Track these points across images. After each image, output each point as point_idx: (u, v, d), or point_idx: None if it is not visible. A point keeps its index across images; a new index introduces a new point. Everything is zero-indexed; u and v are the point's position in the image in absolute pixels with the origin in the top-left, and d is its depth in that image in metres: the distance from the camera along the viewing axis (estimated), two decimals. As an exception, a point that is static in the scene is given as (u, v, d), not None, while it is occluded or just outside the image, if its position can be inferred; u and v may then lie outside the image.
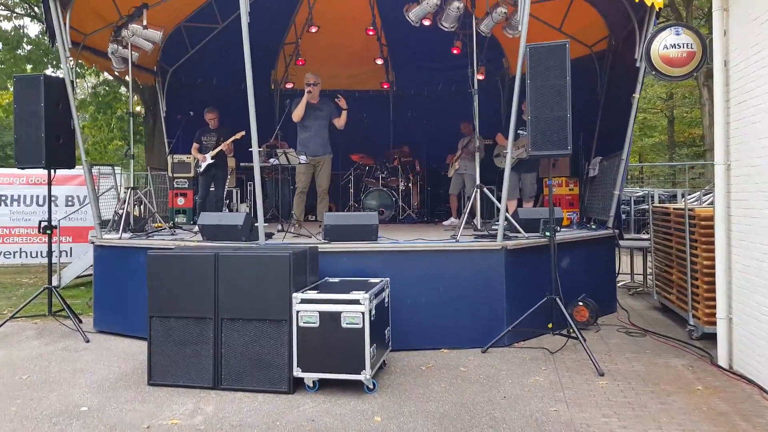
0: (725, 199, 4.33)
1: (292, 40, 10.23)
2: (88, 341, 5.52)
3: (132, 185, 6.50)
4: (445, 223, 8.51)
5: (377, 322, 4.17)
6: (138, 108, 16.98)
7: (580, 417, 3.57)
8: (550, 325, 5.32)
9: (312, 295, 4.05)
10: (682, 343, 5.15)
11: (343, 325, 3.95)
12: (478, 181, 5.77)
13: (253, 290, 4.10)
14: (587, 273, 6.18)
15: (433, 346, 5.07)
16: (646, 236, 8.29)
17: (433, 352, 4.99)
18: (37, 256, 9.71)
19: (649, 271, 8.00)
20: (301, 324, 4.01)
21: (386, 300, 4.54)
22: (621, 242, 6.92)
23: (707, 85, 15.40)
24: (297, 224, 6.15)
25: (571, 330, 4.95)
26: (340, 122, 6.80)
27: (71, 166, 6.15)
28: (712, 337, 5.11)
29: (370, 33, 9.60)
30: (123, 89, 16.89)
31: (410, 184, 9.60)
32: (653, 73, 5.03)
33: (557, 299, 4.89)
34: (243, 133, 6.96)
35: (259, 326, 4.09)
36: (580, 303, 5.67)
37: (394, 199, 9.16)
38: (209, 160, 7.57)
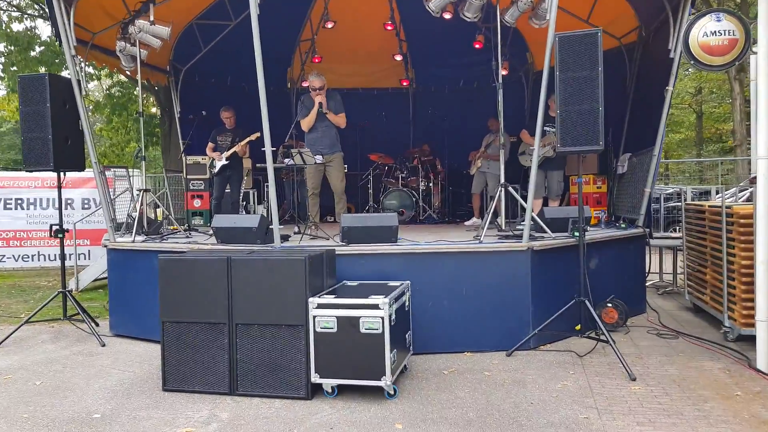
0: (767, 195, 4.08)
1: (308, 36, 10.12)
2: (103, 345, 5.44)
3: (144, 187, 6.40)
4: (467, 223, 8.32)
5: (398, 326, 4.00)
6: (153, 109, 17.10)
7: (613, 426, 3.36)
8: (577, 327, 5.11)
9: (329, 299, 3.89)
10: (717, 346, 4.90)
11: (362, 330, 3.78)
12: (502, 180, 5.56)
13: (267, 295, 3.96)
14: (616, 273, 5.94)
15: (456, 349, 4.89)
16: (675, 235, 8.01)
17: (456, 356, 4.81)
18: (55, 259, 9.71)
19: (679, 270, 7.72)
20: (319, 329, 3.85)
21: (407, 303, 4.36)
22: (651, 241, 6.65)
23: (738, 79, 14.99)
24: (314, 226, 6.01)
25: (600, 333, 4.74)
26: (334, 119, 6.62)
27: (80, 169, 6.06)
28: (748, 339, 4.86)
29: (389, 28, 9.44)
30: (138, 90, 17.01)
31: (431, 184, 9.41)
32: (692, 62, 4.79)
33: (586, 301, 4.67)
34: (258, 134, 6.84)
35: (274, 332, 3.95)
36: (609, 304, 5.44)
37: (414, 199, 8.97)
38: (224, 161, 7.48)
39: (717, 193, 9.20)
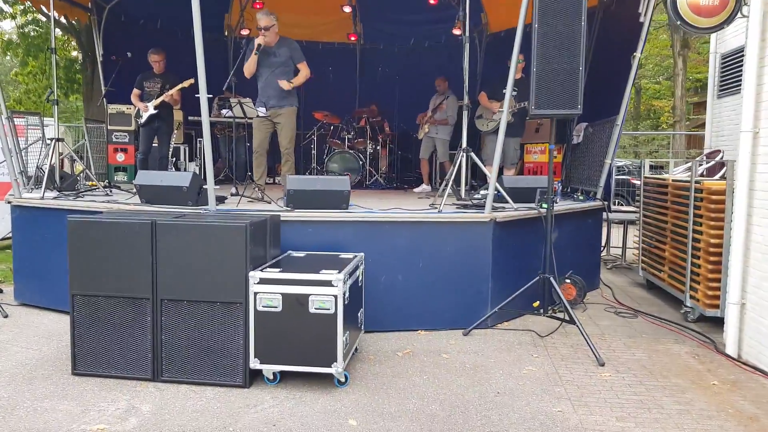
0: (749, 171, 3.82)
1: (249, -21, 9.21)
2: (6, 316, 4.73)
3: (57, 136, 5.56)
4: (416, 190, 7.88)
5: (351, 305, 3.52)
6: (75, 53, 15.58)
7: (591, 421, 3.04)
8: (535, 304, 4.79)
9: (273, 274, 3.35)
10: (678, 326, 4.72)
11: (311, 310, 3.28)
12: (464, 144, 5.11)
13: (200, 267, 3.38)
14: (573, 247, 5.67)
15: (410, 327, 4.49)
16: (626, 208, 7.89)
17: (410, 334, 4.41)
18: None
19: (631, 245, 7.62)
20: (260, 308, 3.32)
21: (360, 279, 3.88)
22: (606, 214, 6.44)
23: (682, 55, 15.11)
24: (257, 189, 5.36)
25: (559, 309, 4.46)
26: (297, 80, 5.82)
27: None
28: (709, 320, 4.72)
29: (338, -25, 8.69)
30: (58, 31, 15.39)
31: (378, 147, 8.87)
32: (678, 23, 4.44)
33: (551, 279, 4.35)
34: (192, 81, 6.05)
35: (207, 309, 3.38)
36: (567, 280, 5.17)
37: (361, 162, 8.42)
38: (151, 111, 6.61)
39: (675, 167, 9.16)
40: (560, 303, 4.48)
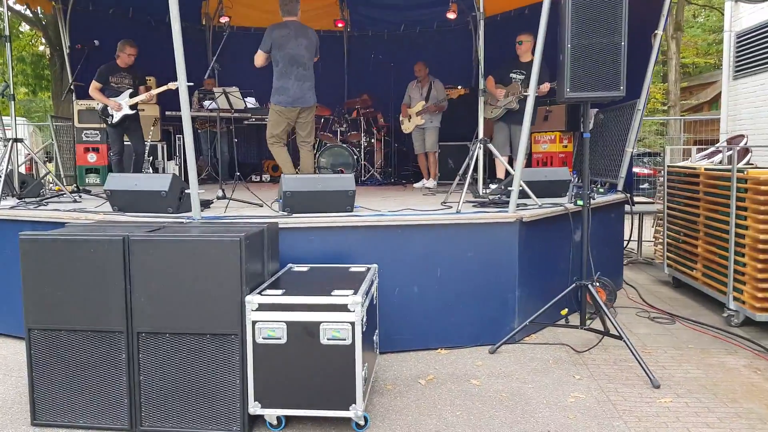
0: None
1: (227, -37, 8.53)
2: (-43, 348, 4.07)
3: (15, 136, 4.89)
4: (416, 185, 7.32)
5: (368, 329, 2.95)
6: (42, 48, 14.72)
7: (667, 466, 2.51)
8: (564, 312, 4.27)
9: (275, 297, 2.76)
10: (723, 333, 4.23)
11: (323, 341, 2.70)
12: (481, 135, 4.55)
13: (184, 291, 2.78)
14: (596, 245, 5.13)
15: (429, 345, 3.93)
16: (643, 199, 7.41)
17: (430, 354, 3.85)
18: None
19: (650, 238, 7.16)
20: (260, 340, 2.73)
21: (375, 296, 3.31)
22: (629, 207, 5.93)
23: (675, 38, 14.69)
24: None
25: (593, 317, 3.95)
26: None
27: None
28: (757, 325, 4.24)
29: (324, -44, 8.04)
30: (25, 26, 14.52)
31: (373, 140, 8.27)
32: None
33: (590, 287, 3.81)
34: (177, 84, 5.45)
35: (195, 343, 2.78)
36: (596, 283, 4.65)
37: (355, 157, 7.81)
38: (127, 110, 5.95)
39: (671, 153, 8.69)
40: (595, 311, 3.97)
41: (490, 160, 6.14)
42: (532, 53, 5.90)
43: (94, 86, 5.90)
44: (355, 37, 9.89)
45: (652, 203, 6.78)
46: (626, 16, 3.45)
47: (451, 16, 8.56)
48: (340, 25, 9.56)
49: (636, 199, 7.05)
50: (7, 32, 4.94)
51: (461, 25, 9.00)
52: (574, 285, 3.91)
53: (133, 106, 5.95)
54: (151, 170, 7.30)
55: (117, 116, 5.94)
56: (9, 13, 12.94)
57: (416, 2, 9.17)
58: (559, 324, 4.16)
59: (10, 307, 4.19)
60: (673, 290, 5.56)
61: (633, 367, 3.47)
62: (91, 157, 7.40)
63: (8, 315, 4.23)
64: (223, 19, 8.87)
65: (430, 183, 7.11)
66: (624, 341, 3.52)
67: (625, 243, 6.81)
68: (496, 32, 7.73)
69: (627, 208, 5.87)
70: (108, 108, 5.91)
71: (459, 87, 7.45)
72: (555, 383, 3.38)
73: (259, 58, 5.13)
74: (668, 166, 5.73)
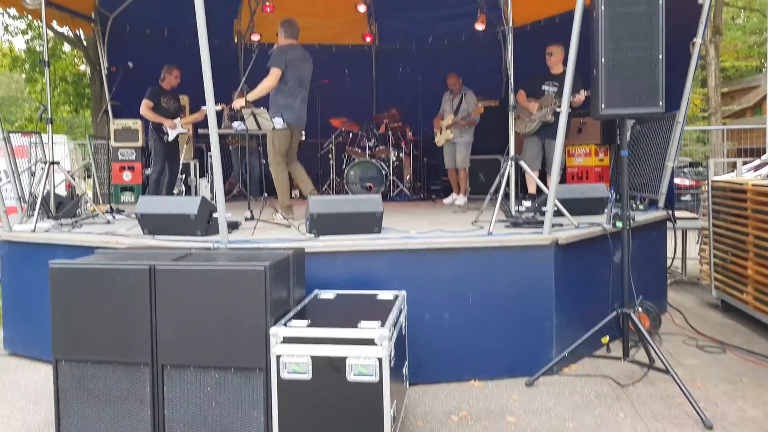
0: None
1: (258, -19, 8.60)
2: (-9, 371, 4.11)
3: (52, 159, 4.96)
4: (446, 201, 7.19)
5: (396, 363, 2.83)
6: (83, 67, 15.12)
7: None
8: (605, 340, 4.08)
9: (300, 330, 2.67)
10: (778, 363, 3.97)
11: (350, 377, 2.59)
12: (512, 152, 4.40)
13: (209, 322, 2.72)
14: (637, 266, 4.89)
15: (461, 377, 3.78)
16: (686, 214, 7.10)
17: (462, 387, 3.70)
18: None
19: (695, 255, 6.85)
20: (286, 375, 2.64)
21: (404, 325, 3.19)
22: (670, 225, 5.67)
23: (714, 42, 14.23)
24: (286, 209, 4.83)
25: (636, 345, 3.74)
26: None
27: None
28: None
29: (353, -29, 8.01)
30: (67, 46, 14.95)
31: (402, 154, 8.17)
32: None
33: (632, 315, 3.62)
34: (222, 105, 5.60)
35: (219, 378, 2.72)
36: (639, 309, 4.43)
37: (384, 172, 7.72)
38: (181, 129, 6.15)
39: (715, 165, 8.34)
40: (638, 339, 3.77)
41: (521, 173, 5.99)
42: (564, 64, 5.76)
43: (146, 105, 6.11)
44: (383, 51, 9.85)
45: (696, 218, 6.47)
46: (663, 29, 3.29)
47: (480, 27, 8.43)
48: (368, 39, 9.54)
49: (679, 213, 6.79)
50: (45, 57, 5.02)
51: (490, 36, 8.84)
52: (615, 313, 3.72)
53: (185, 125, 6.19)
54: (183, 188, 7.37)
55: (172, 134, 6.21)
56: (51, 34, 13.37)
57: (444, 14, 9.09)
58: (600, 355, 3.97)
59: (44, 331, 4.19)
60: (722, 314, 5.28)
61: (682, 403, 3.27)
62: (127, 176, 7.50)
63: (41, 339, 4.23)
64: (255, 37, 8.94)
65: (461, 200, 6.95)
66: (671, 376, 3.32)
67: (669, 261, 6.54)
68: (526, 42, 7.58)
69: (669, 224, 5.64)
70: (163, 126, 6.11)
71: (489, 100, 7.33)
72: (598, 422, 3.19)
73: (277, 77, 5.04)
74: (712, 181, 5.46)
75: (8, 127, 18.71)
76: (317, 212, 3.92)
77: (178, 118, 6.18)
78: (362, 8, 8.99)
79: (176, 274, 2.77)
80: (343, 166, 8.09)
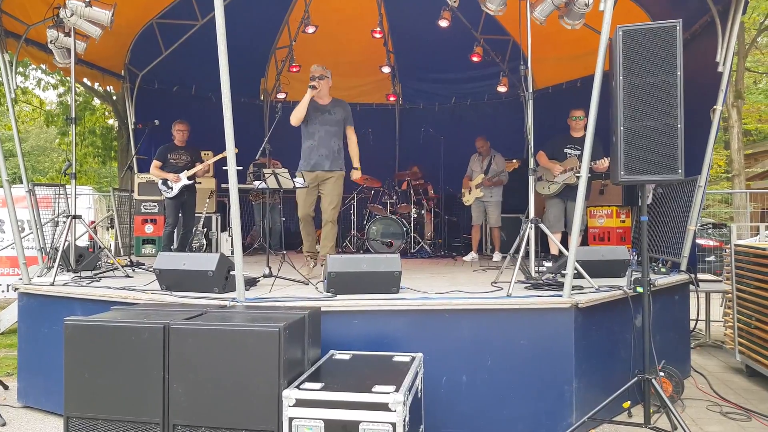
0: None
1: (285, 42, 8.94)
2: (4, 424, 4.07)
3: (74, 213, 5.06)
4: (466, 258, 7.16)
5: (411, 428, 2.76)
6: (111, 121, 15.62)
7: None
8: (626, 405, 3.94)
9: (313, 393, 2.63)
10: (809, 435, 3.79)
11: (363, 442, 2.53)
12: (532, 214, 4.40)
13: (222, 383, 2.70)
14: (659, 330, 4.79)
15: (478, 441, 3.67)
16: (709, 277, 6.96)
17: (479, 453, 3.59)
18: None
19: (719, 318, 6.66)
20: (297, 439, 2.59)
21: (420, 388, 3.13)
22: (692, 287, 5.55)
23: (736, 106, 14.29)
24: (310, 260, 4.85)
25: (658, 411, 3.60)
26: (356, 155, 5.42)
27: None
28: None
29: (377, 35, 8.29)
30: (97, 100, 15.52)
31: (423, 211, 8.21)
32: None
33: (654, 382, 3.50)
34: (236, 150, 5.67)
35: (230, 440, 2.67)
36: (661, 373, 4.29)
37: (404, 228, 7.75)
38: (185, 181, 6.20)
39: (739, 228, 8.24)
40: (660, 405, 3.63)
41: (543, 233, 5.97)
42: (585, 129, 5.82)
43: (154, 165, 6.23)
44: (406, 110, 10.07)
45: (720, 281, 6.34)
46: (681, 99, 3.31)
47: (502, 89, 8.61)
48: (392, 98, 9.77)
49: (702, 275, 6.65)
50: (73, 114, 5.20)
51: (512, 97, 8.99)
52: (636, 379, 3.60)
53: (190, 177, 6.20)
54: (204, 241, 7.46)
55: (176, 188, 6.20)
56: (82, 89, 13.93)
57: (467, 76, 9.30)
58: (621, 420, 3.83)
59: (58, 385, 4.16)
60: (746, 380, 5.09)
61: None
62: (148, 228, 7.63)
63: (55, 392, 4.22)
64: (281, 95, 9.22)
65: (497, 256, 7.02)
66: (696, 447, 3.18)
67: (693, 323, 6.36)
68: (548, 104, 7.71)
69: (692, 287, 5.52)
70: (168, 181, 6.17)
71: (513, 160, 7.42)
72: (620, 493, 3.06)
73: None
74: (735, 245, 5.37)
75: (37, 179, 19.28)
76: (335, 271, 3.91)
77: (184, 172, 6.21)
78: (386, 69, 9.26)
79: (190, 334, 2.77)
80: (364, 222, 8.14)
